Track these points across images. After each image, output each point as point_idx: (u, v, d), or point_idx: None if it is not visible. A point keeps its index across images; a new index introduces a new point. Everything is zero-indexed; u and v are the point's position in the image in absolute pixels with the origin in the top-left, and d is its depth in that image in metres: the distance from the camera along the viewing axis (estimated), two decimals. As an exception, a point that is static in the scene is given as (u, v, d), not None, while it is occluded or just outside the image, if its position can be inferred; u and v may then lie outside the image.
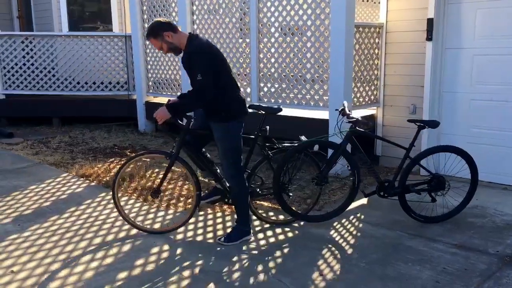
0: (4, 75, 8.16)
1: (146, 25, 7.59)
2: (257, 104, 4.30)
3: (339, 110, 4.07)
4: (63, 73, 8.26)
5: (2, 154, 6.52)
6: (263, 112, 3.87)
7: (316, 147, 4.09)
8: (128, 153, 6.45)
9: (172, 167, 3.84)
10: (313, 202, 4.30)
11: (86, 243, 3.70)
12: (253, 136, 3.85)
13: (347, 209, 4.15)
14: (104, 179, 5.26)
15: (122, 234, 3.86)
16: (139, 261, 3.38)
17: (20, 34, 8.68)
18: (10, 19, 10.44)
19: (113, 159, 6.17)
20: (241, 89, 4.11)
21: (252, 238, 3.77)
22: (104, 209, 4.42)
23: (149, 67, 7.76)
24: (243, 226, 3.76)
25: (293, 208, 4.10)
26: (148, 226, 3.99)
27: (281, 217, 4.17)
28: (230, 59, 6.50)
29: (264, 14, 5.96)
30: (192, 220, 4.01)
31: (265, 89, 6.11)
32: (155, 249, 3.58)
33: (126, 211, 4.06)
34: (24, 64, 8.15)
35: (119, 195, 4.31)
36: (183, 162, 3.79)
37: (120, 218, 3.98)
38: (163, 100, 7.69)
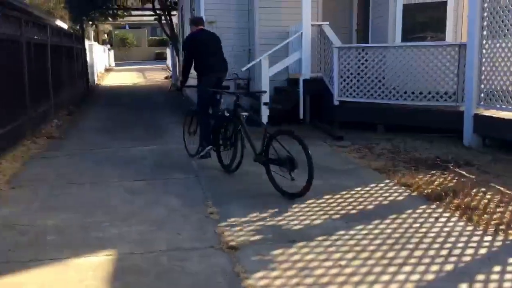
0: (340, 83, 9.05)
1: (485, 33, 7.06)
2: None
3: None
4: (392, 82, 8.54)
5: (333, 155, 7.26)
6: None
7: (225, 113, 6.03)
8: (451, 167, 6.15)
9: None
10: (229, 158, 5.99)
11: (407, 253, 3.69)
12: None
13: None
14: (426, 191, 5.17)
15: (443, 252, 3.70)
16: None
17: (356, 46, 9.46)
18: (349, 32, 11.51)
19: (434, 171, 6.00)
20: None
21: None
22: (425, 222, 4.33)
23: (482, 77, 7.19)
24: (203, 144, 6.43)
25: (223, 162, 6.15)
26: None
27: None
28: None
29: None
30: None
31: None
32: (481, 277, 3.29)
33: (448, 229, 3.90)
34: (358, 74, 8.82)
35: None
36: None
37: (443, 234, 3.88)
38: (498, 114, 6.98)
